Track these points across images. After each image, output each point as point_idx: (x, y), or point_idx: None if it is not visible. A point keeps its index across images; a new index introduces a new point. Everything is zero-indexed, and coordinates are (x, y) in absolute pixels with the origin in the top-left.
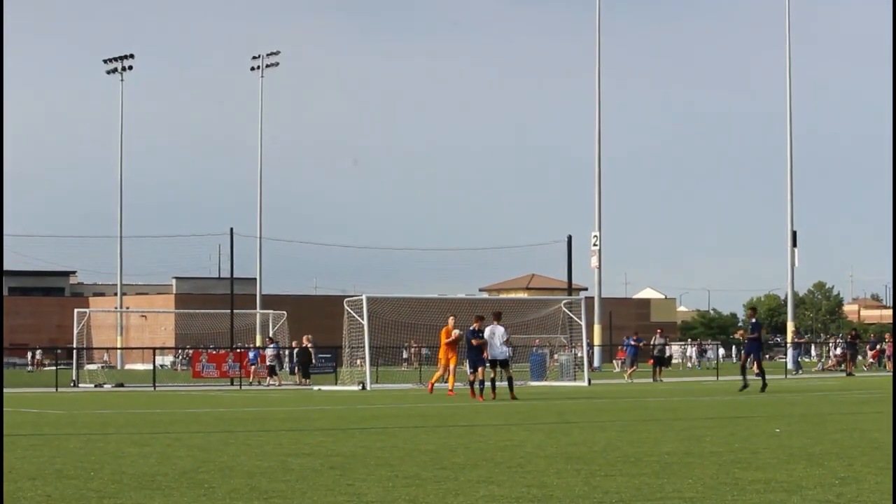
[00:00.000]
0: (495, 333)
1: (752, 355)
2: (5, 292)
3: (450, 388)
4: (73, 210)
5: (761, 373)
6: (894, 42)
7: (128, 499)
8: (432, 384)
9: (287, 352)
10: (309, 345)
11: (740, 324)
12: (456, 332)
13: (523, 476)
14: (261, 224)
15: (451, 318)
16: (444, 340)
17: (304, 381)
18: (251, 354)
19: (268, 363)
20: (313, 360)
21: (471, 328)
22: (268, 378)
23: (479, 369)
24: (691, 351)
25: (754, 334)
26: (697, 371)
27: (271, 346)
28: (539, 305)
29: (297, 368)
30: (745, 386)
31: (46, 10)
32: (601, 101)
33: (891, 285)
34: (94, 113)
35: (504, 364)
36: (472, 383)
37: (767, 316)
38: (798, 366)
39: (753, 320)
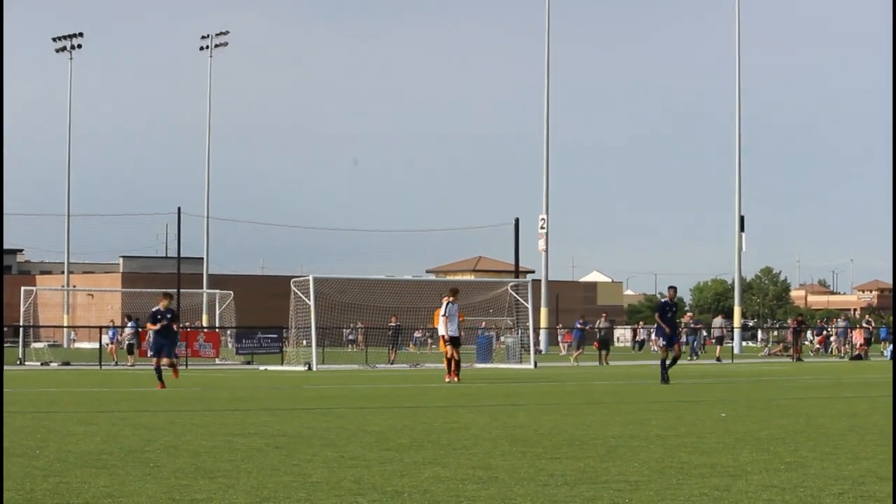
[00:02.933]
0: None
1: (675, 342)
2: None
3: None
4: (21, 188)
5: (673, 361)
6: (894, 40)
7: (73, 477)
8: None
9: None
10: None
11: (683, 307)
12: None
13: (468, 458)
14: (208, 204)
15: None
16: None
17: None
18: (109, 333)
19: (126, 342)
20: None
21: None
22: (128, 358)
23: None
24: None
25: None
26: (642, 355)
27: (129, 324)
28: (486, 287)
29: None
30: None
31: None
32: (550, 85)
33: (837, 272)
34: (43, 91)
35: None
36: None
37: (714, 300)
38: (694, 351)
39: (675, 300)
